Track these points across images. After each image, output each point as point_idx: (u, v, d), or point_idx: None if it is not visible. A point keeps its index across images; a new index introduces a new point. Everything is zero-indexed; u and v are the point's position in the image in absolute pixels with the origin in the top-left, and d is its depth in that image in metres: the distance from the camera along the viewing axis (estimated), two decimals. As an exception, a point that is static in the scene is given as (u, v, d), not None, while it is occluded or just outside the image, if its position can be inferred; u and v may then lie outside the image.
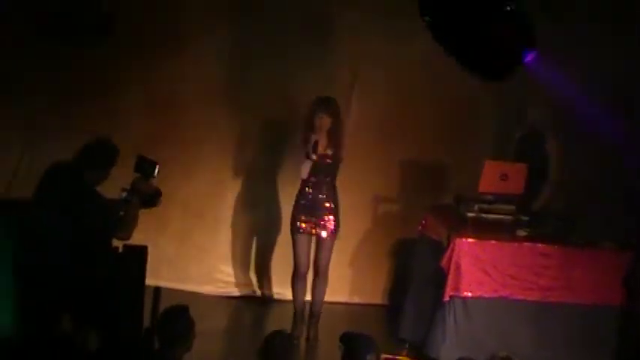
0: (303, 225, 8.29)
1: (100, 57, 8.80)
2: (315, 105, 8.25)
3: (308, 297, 8.51)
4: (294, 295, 8.42)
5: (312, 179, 8.25)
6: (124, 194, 6.71)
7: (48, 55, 8.72)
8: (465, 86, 8.61)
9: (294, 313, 8.42)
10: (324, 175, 8.28)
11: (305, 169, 8.19)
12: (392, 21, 8.82)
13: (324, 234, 8.30)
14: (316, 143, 8.09)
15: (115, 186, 6.77)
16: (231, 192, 9.32)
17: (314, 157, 8.10)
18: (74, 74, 8.85)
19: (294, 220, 8.33)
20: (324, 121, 8.20)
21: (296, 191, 8.39)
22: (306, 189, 8.30)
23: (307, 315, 8.44)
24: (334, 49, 9.09)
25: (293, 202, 8.38)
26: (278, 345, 5.71)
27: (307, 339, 8.38)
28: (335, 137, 8.24)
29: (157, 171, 6.75)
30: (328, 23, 9.07)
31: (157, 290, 6.99)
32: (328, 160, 8.24)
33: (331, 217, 8.31)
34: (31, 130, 8.89)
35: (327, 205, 8.31)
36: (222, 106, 9.17)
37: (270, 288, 9.36)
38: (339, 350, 5.64)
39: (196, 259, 9.26)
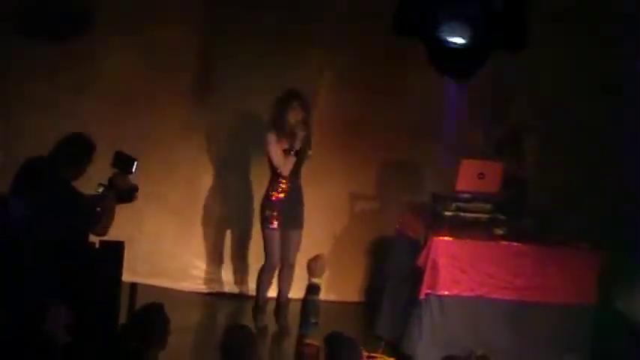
0: (275, 220, 8.28)
1: (76, 52, 8.77)
2: (289, 98, 8.20)
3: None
4: (259, 288, 8.46)
5: (282, 175, 8.25)
6: (101, 189, 6.69)
7: (24, 51, 8.68)
8: (442, 84, 8.62)
9: (256, 305, 8.46)
10: (293, 170, 8.27)
11: (288, 165, 8.18)
12: (366, 18, 8.82)
13: (292, 228, 8.31)
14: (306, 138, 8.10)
15: (93, 183, 6.74)
16: (207, 189, 9.29)
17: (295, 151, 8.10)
18: (50, 70, 8.81)
19: (264, 215, 8.32)
20: (298, 114, 8.17)
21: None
22: (276, 184, 8.28)
23: (274, 308, 8.48)
24: (308, 45, 9.06)
25: (263, 198, 8.37)
26: (238, 339, 5.72)
27: (280, 331, 8.43)
28: (306, 132, 8.22)
29: (135, 167, 6.74)
30: (304, 20, 9.05)
31: (134, 286, 6.96)
32: (297, 156, 8.23)
33: (299, 211, 8.33)
34: (6, 128, 8.84)
35: (296, 199, 8.31)
36: (197, 103, 9.14)
37: (246, 284, 9.34)
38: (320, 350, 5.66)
39: (173, 255, 9.23)
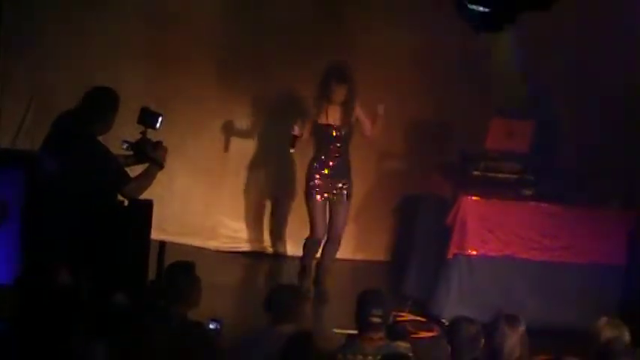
0: (319, 190, 8.21)
1: (106, 12, 8.76)
2: (329, 76, 8.06)
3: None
4: (305, 255, 8.40)
5: (329, 147, 8.18)
6: (125, 146, 6.62)
7: (58, 7, 8.70)
8: (470, 44, 8.56)
9: (303, 268, 8.42)
10: (342, 143, 8.20)
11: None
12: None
13: (338, 200, 8.24)
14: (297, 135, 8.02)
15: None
16: (236, 147, 9.30)
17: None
18: (80, 27, 8.82)
19: (309, 186, 8.25)
20: (340, 92, 8.07)
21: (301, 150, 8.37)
22: (322, 156, 8.23)
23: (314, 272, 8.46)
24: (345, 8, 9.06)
25: (308, 168, 8.32)
26: (286, 297, 5.71)
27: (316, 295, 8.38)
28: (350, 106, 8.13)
29: (159, 122, 6.63)
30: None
31: (162, 244, 6.98)
32: (344, 130, 8.17)
33: (345, 184, 8.26)
34: (40, 84, 8.87)
35: (342, 171, 8.24)
36: (229, 62, 9.12)
37: (274, 244, 9.38)
38: None
39: (201, 214, 9.27)
